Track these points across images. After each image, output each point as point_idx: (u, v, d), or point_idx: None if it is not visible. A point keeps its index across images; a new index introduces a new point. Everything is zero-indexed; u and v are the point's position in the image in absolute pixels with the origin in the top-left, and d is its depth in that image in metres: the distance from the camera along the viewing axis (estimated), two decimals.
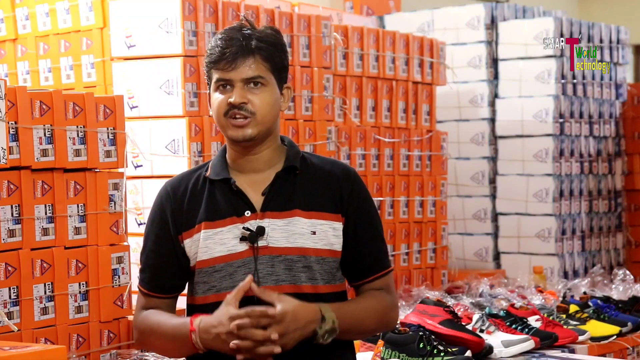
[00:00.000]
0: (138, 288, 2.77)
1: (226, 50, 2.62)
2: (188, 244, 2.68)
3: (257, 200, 2.66)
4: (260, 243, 2.62)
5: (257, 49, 2.63)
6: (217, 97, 2.65)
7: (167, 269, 2.71)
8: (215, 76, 2.65)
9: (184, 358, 2.71)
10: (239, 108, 2.61)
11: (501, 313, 4.21)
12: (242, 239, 2.62)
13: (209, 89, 2.70)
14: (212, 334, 2.52)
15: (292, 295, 2.59)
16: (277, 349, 2.49)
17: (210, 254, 2.64)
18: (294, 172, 2.69)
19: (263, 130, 2.64)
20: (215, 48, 2.65)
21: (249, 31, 2.66)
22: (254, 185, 2.68)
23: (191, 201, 2.69)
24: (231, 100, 2.61)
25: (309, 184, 2.69)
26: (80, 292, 3.26)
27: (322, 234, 2.66)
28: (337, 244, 2.68)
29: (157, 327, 2.67)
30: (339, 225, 2.68)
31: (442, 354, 3.63)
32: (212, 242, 2.64)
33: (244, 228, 2.62)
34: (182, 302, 2.83)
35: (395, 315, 2.79)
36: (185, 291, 2.79)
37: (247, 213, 2.64)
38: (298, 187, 2.68)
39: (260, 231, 2.61)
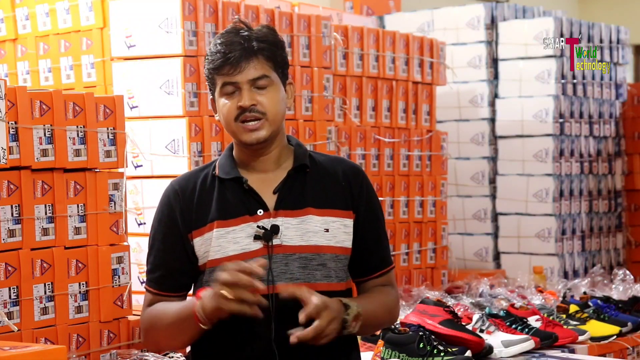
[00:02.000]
0: (145, 289, 2.75)
1: (229, 55, 2.62)
2: (198, 242, 2.67)
3: (268, 199, 2.66)
4: (274, 242, 2.62)
5: (259, 50, 2.64)
6: (224, 103, 2.65)
7: (176, 268, 2.70)
8: (219, 82, 2.65)
9: (188, 347, 2.70)
10: (250, 110, 2.62)
11: (501, 313, 4.21)
12: (256, 237, 2.62)
13: (212, 95, 2.70)
14: (210, 296, 2.49)
15: None
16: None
17: (223, 252, 2.64)
18: (305, 170, 2.70)
19: (275, 130, 2.66)
20: (217, 54, 2.64)
21: (246, 33, 2.66)
22: (264, 184, 2.68)
23: (201, 199, 2.69)
24: (241, 103, 2.61)
25: (319, 182, 2.70)
26: (80, 292, 3.26)
27: (335, 231, 2.67)
28: (347, 240, 2.69)
29: (162, 313, 2.66)
30: (349, 222, 2.70)
31: (442, 354, 3.63)
32: (225, 241, 2.64)
33: (258, 226, 2.62)
34: None
35: (398, 309, 2.85)
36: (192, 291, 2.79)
37: (260, 212, 2.65)
38: (309, 185, 2.69)
39: (275, 229, 2.62)
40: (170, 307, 2.65)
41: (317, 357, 2.61)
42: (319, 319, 2.48)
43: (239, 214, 2.65)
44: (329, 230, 2.66)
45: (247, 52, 2.63)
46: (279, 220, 2.63)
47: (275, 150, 2.71)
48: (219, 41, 2.66)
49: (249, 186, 2.66)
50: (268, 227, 2.62)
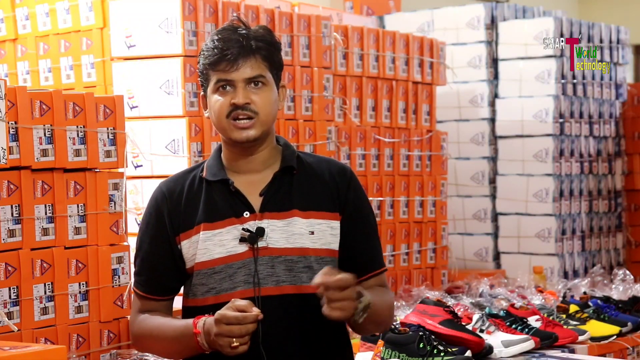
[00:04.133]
0: (133, 291, 2.75)
1: (227, 52, 2.60)
2: (186, 245, 2.66)
3: (255, 201, 2.65)
4: (260, 244, 2.61)
5: (257, 49, 2.63)
6: (217, 99, 2.63)
7: (163, 271, 2.70)
8: (214, 78, 2.63)
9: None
10: (243, 108, 2.61)
11: (501, 313, 4.21)
12: (242, 240, 2.62)
13: (204, 91, 2.69)
14: (210, 336, 2.51)
15: (293, 296, 2.59)
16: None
17: (209, 255, 2.63)
18: (291, 172, 2.69)
19: (265, 130, 2.64)
20: (214, 49, 2.62)
21: (244, 31, 2.65)
22: (251, 186, 2.67)
23: (188, 202, 2.68)
24: (235, 101, 2.60)
25: (305, 183, 2.69)
26: (80, 292, 3.26)
27: (320, 233, 2.65)
28: (334, 242, 2.67)
29: (157, 330, 2.65)
30: (336, 224, 2.68)
31: (442, 354, 3.63)
32: (211, 244, 2.63)
33: (243, 229, 2.61)
34: (176, 303, 2.82)
35: (393, 313, 2.81)
36: (181, 292, 2.78)
37: (246, 214, 2.64)
38: (295, 187, 2.67)
39: (260, 232, 2.61)
40: (167, 325, 2.64)
41: (306, 358, 2.60)
42: (350, 289, 2.43)
43: (226, 217, 2.63)
44: (314, 233, 2.64)
45: (245, 51, 2.61)
46: (264, 223, 2.62)
47: (263, 151, 2.69)
48: (216, 37, 2.64)
49: (235, 188, 2.65)
50: (253, 229, 2.61)
